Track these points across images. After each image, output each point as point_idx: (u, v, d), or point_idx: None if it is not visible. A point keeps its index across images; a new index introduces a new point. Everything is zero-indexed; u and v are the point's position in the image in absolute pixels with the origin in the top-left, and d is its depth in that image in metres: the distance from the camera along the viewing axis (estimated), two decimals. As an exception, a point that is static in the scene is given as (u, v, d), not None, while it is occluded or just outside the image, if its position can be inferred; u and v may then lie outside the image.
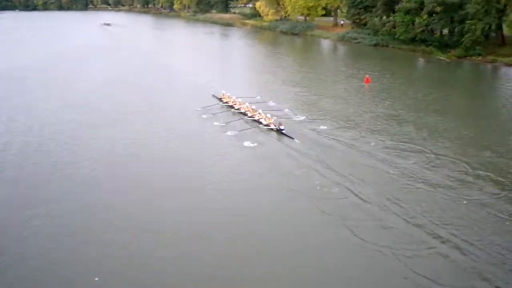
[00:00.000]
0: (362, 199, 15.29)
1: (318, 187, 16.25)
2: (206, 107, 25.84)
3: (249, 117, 23.97)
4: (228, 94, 27.18)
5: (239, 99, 26.21)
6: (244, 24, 79.77)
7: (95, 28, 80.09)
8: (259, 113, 23.41)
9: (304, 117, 24.31)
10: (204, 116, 24.53)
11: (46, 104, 28.28)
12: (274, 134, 21.89)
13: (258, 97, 27.68)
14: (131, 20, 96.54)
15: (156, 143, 20.96)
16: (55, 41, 62.16)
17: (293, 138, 21.00)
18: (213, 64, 44.23)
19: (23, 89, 32.74)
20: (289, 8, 68.90)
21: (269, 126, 22.37)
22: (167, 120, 24.59)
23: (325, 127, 22.54)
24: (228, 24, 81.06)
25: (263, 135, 21.80)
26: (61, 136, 22.11)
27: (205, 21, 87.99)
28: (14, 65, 42.97)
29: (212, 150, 19.82)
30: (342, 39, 58.27)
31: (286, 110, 25.60)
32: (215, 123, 23.22)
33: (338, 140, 20.80)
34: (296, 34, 66.14)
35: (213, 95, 28.44)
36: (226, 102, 26.57)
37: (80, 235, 13.51)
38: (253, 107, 24.61)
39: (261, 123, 22.81)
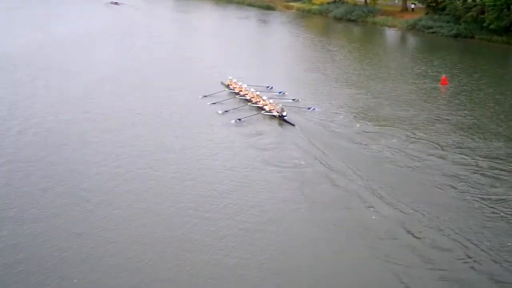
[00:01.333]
0: (433, 240, 14.89)
1: (374, 217, 16.10)
2: (211, 94, 29.75)
3: (253, 103, 27.69)
4: (235, 80, 31.25)
5: (245, 86, 30.11)
6: (288, 8, 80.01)
7: (100, 7, 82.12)
8: (263, 100, 27.43)
9: (359, 124, 24.62)
10: (208, 103, 28.40)
11: (43, 98, 29.87)
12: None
13: (270, 86, 31.15)
14: (146, 0, 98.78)
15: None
16: (50, 23, 63.50)
17: (294, 125, 24.27)
18: (248, 58, 44.54)
19: (10, 82, 34.10)
20: (345, -13, 68.63)
21: (272, 112, 26.03)
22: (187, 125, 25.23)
23: (388, 139, 22.48)
24: (268, 8, 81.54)
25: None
26: (55, 131, 24.20)
27: (239, 3, 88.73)
28: None
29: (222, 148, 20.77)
30: (413, 27, 57.28)
31: (342, 115, 25.95)
32: (218, 111, 26.99)
33: (403, 156, 20.59)
34: (353, 21, 65.63)
35: (221, 82, 32.22)
36: (233, 89, 30.65)
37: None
38: (257, 93, 28.45)
39: (264, 109, 26.72)
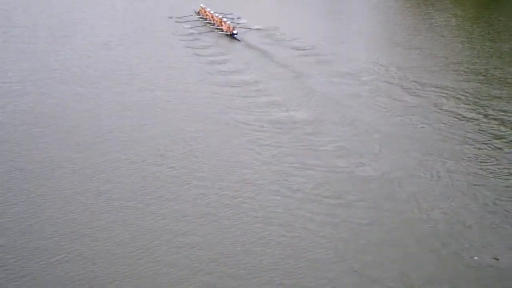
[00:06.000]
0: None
1: None
2: (180, 17, 39.84)
3: (214, 26, 37.47)
4: (204, 6, 40.50)
5: (212, 12, 39.11)
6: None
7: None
8: (224, 23, 36.49)
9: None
10: (173, 22, 39.15)
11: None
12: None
13: (240, 15, 39.60)
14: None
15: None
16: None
17: (239, 41, 33.65)
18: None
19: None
20: None
21: (226, 31, 35.58)
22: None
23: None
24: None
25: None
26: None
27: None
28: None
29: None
30: None
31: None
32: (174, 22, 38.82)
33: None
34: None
35: (194, 10, 41.52)
36: (203, 15, 40.39)
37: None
38: (221, 17, 37.37)
39: (221, 29, 36.45)
